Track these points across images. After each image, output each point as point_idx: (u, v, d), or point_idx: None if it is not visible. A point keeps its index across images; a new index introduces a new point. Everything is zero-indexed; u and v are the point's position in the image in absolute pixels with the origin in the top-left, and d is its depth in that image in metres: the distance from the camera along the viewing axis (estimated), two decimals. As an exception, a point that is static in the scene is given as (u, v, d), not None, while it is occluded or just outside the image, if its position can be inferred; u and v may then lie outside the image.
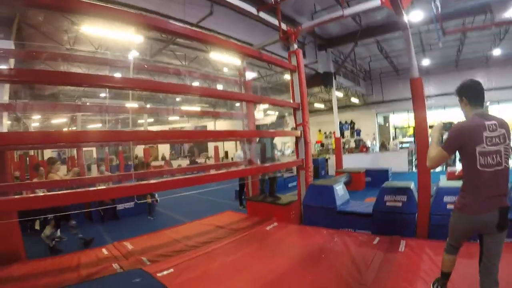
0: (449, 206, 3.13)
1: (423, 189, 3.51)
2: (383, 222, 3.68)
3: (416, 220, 3.50)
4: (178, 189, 3.38)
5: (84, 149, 15.75)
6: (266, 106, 5.51)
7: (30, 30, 6.78)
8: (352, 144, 16.61)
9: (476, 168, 1.74)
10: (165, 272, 2.72)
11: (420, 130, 3.61)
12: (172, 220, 5.53)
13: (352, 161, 10.79)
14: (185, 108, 15.43)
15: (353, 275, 2.57)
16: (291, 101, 4.98)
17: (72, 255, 3.47)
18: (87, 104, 8.72)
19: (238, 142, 10.45)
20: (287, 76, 5.29)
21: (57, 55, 4.74)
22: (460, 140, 1.78)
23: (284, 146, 18.78)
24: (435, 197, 3.45)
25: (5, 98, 4.21)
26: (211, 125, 21.31)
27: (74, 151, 11.93)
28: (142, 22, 3.32)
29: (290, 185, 8.67)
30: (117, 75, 5.73)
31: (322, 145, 18.67)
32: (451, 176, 5.73)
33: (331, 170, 11.00)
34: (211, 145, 20.03)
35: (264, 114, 5.45)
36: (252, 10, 4.69)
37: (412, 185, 3.84)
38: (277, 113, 5.52)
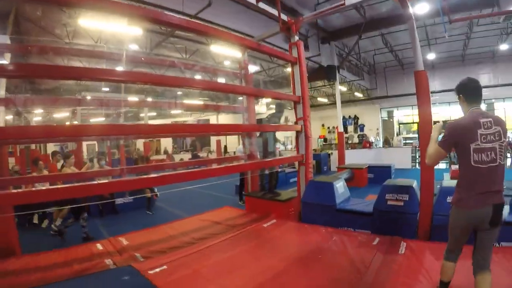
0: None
1: (425, 187, 3.40)
2: (383, 221, 3.57)
3: (417, 220, 3.39)
4: (179, 183, 3.32)
5: (86, 143, 15.87)
6: (268, 100, 5.41)
7: (28, 24, 6.70)
8: (356, 139, 16.44)
9: (470, 164, 1.78)
10: (157, 270, 2.67)
11: (424, 125, 3.47)
12: (171, 215, 5.48)
13: (355, 157, 10.63)
14: (187, 101, 15.33)
15: (351, 277, 2.48)
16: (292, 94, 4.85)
17: (67, 249, 3.43)
18: (88, 98, 8.66)
19: (240, 136, 10.36)
20: (289, 69, 5.14)
21: (51, 48, 4.66)
22: (454, 137, 1.83)
23: (286, 140, 18.64)
24: (438, 197, 3.32)
25: (1, 93, 4.17)
26: (213, 119, 21.22)
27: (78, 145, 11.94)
28: (139, 14, 3.24)
29: (291, 180, 8.58)
30: (119, 68, 5.65)
31: (325, 140, 18.53)
32: (455, 175, 5.59)
33: (334, 165, 10.88)
34: (213, 139, 20.01)
35: (267, 108, 5.36)
36: (252, 0, 4.53)
37: (414, 183, 3.71)
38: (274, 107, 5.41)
